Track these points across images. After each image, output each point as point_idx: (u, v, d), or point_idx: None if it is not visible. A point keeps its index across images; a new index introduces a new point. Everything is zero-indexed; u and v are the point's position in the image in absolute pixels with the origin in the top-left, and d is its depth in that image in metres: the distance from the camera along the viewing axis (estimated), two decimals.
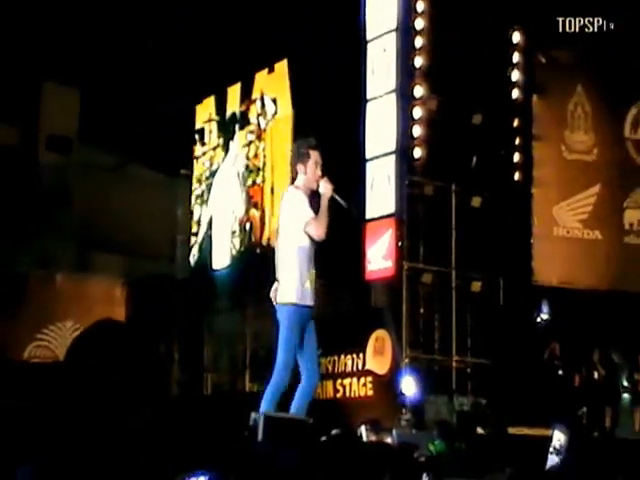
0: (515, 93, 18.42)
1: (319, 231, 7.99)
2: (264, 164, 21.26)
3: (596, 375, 17.66)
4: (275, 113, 20.99)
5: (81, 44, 21.93)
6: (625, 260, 18.66)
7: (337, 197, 8.05)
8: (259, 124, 21.46)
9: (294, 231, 8.06)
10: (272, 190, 20.63)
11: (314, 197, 8.16)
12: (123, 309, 22.08)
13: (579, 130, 18.69)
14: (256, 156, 21.57)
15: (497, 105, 18.15)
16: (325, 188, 8.05)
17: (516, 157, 18.32)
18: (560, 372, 17.54)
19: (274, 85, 21.02)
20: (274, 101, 21.00)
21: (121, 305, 22.26)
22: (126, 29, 21.84)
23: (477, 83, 17.69)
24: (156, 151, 22.90)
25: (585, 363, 17.73)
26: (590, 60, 18.78)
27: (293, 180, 8.35)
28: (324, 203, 8.03)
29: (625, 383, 17.67)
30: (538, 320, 17.63)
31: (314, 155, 8.10)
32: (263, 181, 21.24)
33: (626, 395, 17.62)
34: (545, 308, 17.61)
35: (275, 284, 8.26)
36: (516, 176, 18.29)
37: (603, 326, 17.15)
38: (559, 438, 9.05)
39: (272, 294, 8.32)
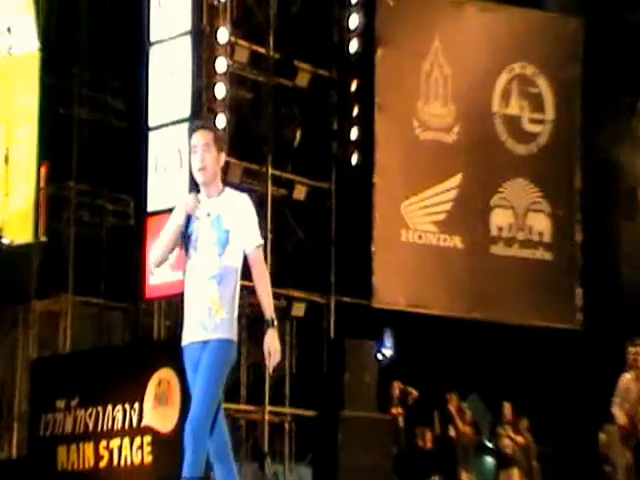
0: (354, 45, 14.29)
1: None
2: None
3: (452, 431, 14.23)
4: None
5: None
6: (490, 277, 15.33)
7: None
8: None
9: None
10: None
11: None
12: None
13: (436, 100, 15.09)
14: None
15: (329, 61, 14.49)
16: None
17: (353, 133, 14.36)
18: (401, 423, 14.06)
19: None
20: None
21: None
22: None
23: (303, 29, 14.05)
24: None
25: (439, 413, 14.38)
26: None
27: None
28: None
29: (487, 442, 14.80)
30: (379, 357, 14.33)
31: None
32: None
33: (489, 458, 15.01)
34: (388, 341, 14.88)
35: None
36: (353, 159, 14.44)
37: (461, 364, 14.94)
38: None
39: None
